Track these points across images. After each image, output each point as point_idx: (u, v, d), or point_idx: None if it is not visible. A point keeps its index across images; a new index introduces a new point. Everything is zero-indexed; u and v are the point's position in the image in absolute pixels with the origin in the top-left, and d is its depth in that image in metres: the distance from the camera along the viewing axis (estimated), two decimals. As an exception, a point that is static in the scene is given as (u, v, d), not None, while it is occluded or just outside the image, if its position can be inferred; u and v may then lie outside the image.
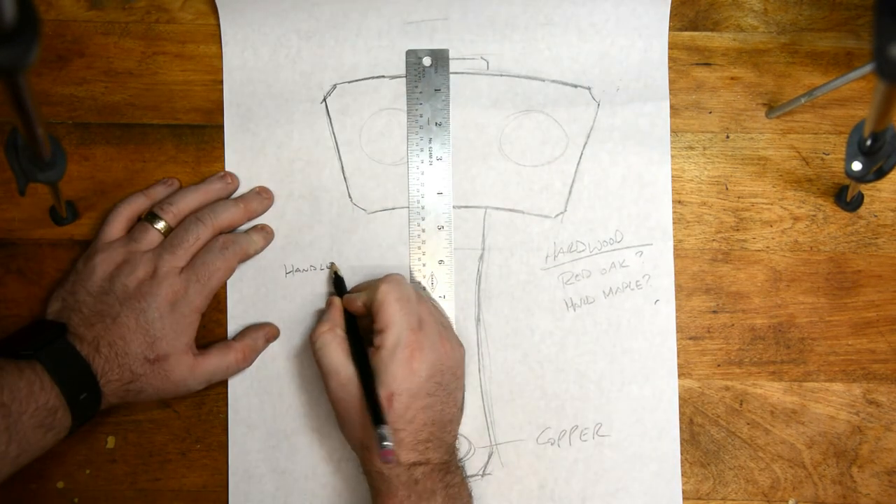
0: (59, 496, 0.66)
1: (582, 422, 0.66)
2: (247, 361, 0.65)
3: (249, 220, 0.67)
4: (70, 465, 0.66)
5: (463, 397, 0.65)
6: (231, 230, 0.66)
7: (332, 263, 0.67)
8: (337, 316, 0.64)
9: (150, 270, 0.62)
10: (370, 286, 0.63)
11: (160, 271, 0.62)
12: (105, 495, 0.66)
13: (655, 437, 0.66)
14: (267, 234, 0.67)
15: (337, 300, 0.65)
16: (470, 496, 0.62)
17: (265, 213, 0.67)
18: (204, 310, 0.63)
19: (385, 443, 0.56)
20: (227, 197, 0.67)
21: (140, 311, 0.61)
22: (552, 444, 0.66)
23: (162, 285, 0.61)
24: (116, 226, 0.65)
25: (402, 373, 0.59)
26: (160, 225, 0.64)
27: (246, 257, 0.66)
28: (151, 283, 0.61)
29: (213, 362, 0.63)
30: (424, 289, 0.67)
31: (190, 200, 0.65)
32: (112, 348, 0.60)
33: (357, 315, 0.64)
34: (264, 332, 0.66)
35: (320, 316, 0.65)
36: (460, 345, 0.64)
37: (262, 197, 0.67)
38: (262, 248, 0.67)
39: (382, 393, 0.59)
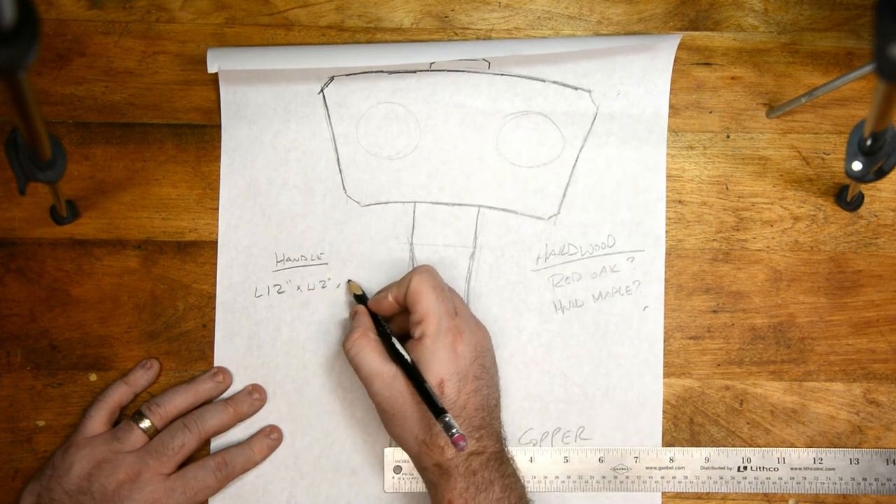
0: (59, 495, 0.66)
1: (565, 424, 0.67)
2: None
3: (238, 422, 0.65)
4: (70, 464, 0.66)
5: (499, 381, 0.64)
6: (219, 433, 0.65)
7: (350, 281, 0.66)
8: (366, 321, 0.63)
9: (132, 473, 0.61)
10: (398, 282, 0.63)
11: (143, 476, 0.61)
12: (105, 495, 0.66)
13: (637, 443, 0.66)
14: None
15: (362, 307, 0.64)
16: (524, 488, 0.61)
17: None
18: None
19: (453, 430, 0.55)
20: (218, 396, 0.66)
21: None
22: (534, 446, 0.66)
23: (144, 490, 0.61)
24: (98, 420, 0.63)
25: (448, 357, 0.59)
26: (145, 424, 0.63)
27: (240, 475, 0.65)
28: (132, 486, 0.60)
29: None
30: None
31: (179, 402, 0.64)
32: None
33: (387, 314, 0.63)
34: None
35: (347, 327, 0.65)
36: (487, 331, 0.64)
37: (253, 398, 0.65)
38: (262, 461, 0.65)
39: (432, 380, 0.58)
